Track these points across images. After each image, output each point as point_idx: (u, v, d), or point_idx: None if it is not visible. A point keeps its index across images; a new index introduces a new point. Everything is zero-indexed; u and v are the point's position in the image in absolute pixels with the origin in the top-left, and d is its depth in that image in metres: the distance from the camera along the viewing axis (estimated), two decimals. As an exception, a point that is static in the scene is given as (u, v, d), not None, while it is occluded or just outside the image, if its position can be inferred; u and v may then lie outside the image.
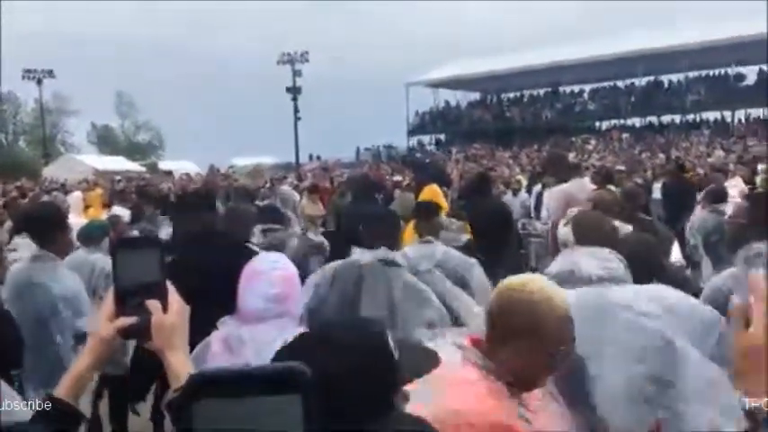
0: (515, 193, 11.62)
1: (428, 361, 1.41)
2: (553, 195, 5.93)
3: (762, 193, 4.24)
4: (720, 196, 5.84)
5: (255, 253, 2.91)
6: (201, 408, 0.69)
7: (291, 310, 2.31)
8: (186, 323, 1.28)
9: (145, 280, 1.24)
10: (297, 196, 11.18)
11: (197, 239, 3.67)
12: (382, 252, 3.24)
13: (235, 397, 0.69)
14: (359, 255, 3.28)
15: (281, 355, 1.32)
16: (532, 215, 9.85)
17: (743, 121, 34.72)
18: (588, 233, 2.54)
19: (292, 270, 2.35)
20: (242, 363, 2.19)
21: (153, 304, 1.23)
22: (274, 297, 2.25)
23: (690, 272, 5.95)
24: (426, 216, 4.20)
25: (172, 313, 1.24)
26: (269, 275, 2.27)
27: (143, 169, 33.64)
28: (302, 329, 2.36)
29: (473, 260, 3.93)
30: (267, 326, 2.23)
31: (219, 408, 0.69)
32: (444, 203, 5.73)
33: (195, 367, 2.34)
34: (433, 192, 5.83)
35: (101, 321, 1.24)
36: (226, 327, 2.32)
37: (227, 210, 4.94)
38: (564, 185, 5.76)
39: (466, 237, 4.76)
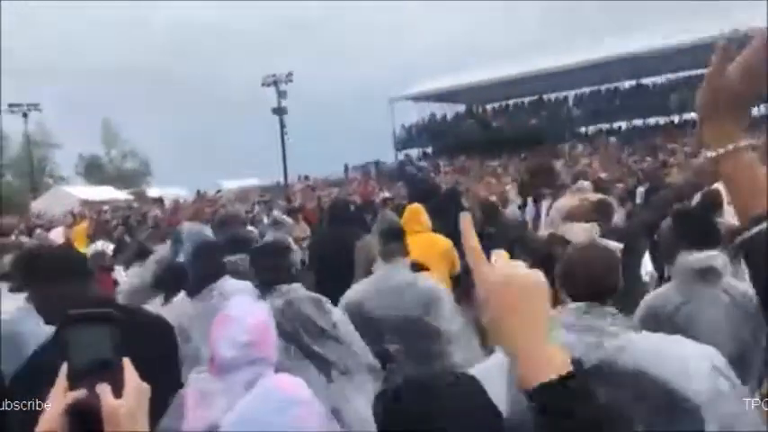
0: (504, 204, 11.54)
1: None
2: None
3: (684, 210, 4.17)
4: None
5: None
6: None
7: (265, 356, 2.22)
8: (145, 405, 1.16)
9: (97, 359, 1.11)
10: (290, 220, 11.08)
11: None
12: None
13: None
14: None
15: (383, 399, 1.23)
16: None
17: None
18: None
19: (264, 316, 2.27)
20: (214, 417, 2.11)
21: (102, 389, 1.10)
22: (244, 344, 2.17)
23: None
24: (388, 240, 4.08)
25: (127, 397, 1.12)
26: (240, 322, 2.19)
27: (131, 198, 33.49)
28: (279, 375, 2.28)
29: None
30: (240, 374, 2.15)
31: None
32: (426, 224, 5.63)
33: (170, 422, 2.27)
34: (413, 212, 5.75)
35: (50, 406, 1.10)
36: (197, 379, 2.24)
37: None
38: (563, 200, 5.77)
39: None
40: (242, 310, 2.25)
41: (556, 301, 2.42)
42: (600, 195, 6.14)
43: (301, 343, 3.10)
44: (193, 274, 3.53)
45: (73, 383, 1.10)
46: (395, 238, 4.07)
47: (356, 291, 3.99)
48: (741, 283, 2.81)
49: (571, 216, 4.14)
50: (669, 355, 1.92)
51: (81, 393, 1.10)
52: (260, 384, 2.13)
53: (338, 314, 3.42)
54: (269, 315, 2.29)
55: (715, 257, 2.82)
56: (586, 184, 7.34)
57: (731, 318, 2.72)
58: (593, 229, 4.09)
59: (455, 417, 1.13)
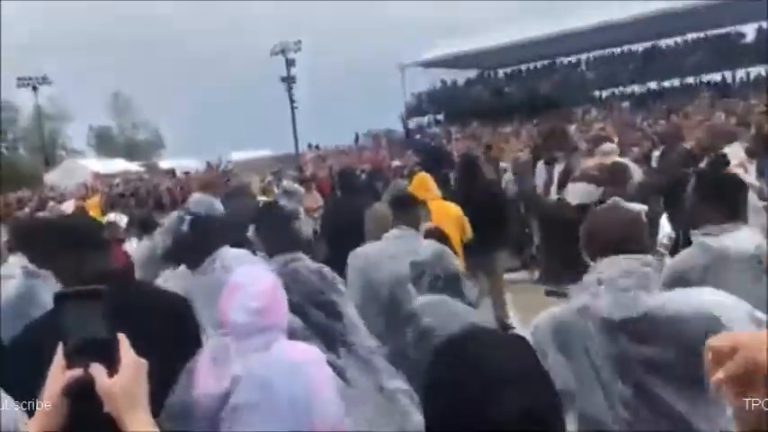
0: (517, 169, 11.44)
1: None
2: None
3: (704, 172, 4.08)
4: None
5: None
6: None
7: (277, 322, 2.24)
8: (143, 380, 1.16)
9: (91, 336, 1.11)
10: (302, 190, 11.08)
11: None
12: None
13: None
14: None
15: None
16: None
17: (744, 80, 34.34)
18: None
19: (273, 282, 2.29)
20: (227, 381, 2.12)
21: (96, 369, 1.10)
22: (256, 311, 2.18)
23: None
24: (401, 208, 4.04)
25: (122, 373, 1.12)
26: (249, 289, 2.21)
27: (143, 170, 33.60)
28: (291, 341, 2.30)
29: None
30: (252, 340, 2.17)
31: None
32: (434, 191, 5.59)
33: (184, 384, 2.27)
34: (421, 180, 5.70)
35: (48, 385, 1.11)
36: (213, 341, 2.27)
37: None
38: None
39: None
40: (250, 277, 2.26)
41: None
42: (617, 158, 6.05)
43: (307, 316, 3.08)
44: (193, 246, 3.51)
45: (69, 362, 1.09)
46: (404, 207, 4.02)
47: (358, 256, 3.96)
48: None
49: (578, 177, 4.08)
50: (707, 306, 1.96)
51: (77, 373, 1.09)
52: (273, 350, 2.15)
53: (343, 287, 3.39)
54: (277, 282, 2.30)
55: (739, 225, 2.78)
56: (611, 146, 7.16)
57: (758, 279, 2.66)
58: (593, 190, 4.03)
59: (509, 371, 1.12)
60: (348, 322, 3.19)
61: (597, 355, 2.07)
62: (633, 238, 2.21)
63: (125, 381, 1.11)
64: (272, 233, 3.49)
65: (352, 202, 6.18)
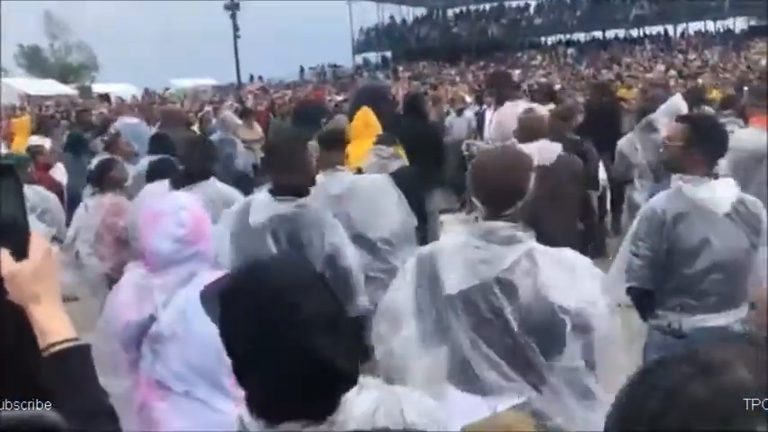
0: (459, 112, 11.45)
1: None
2: (496, 117, 5.85)
3: (703, 116, 4.13)
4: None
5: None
6: None
7: (202, 250, 2.16)
8: (53, 267, 1.09)
9: (4, 216, 1.04)
10: (239, 121, 10.80)
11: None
12: None
13: None
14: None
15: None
16: (476, 135, 9.73)
17: (684, 35, 34.99)
18: None
19: (199, 209, 2.20)
20: (150, 311, 2.07)
21: (4, 255, 1.03)
22: (182, 238, 2.10)
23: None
24: (328, 146, 3.95)
25: (32, 258, 1.05)
26: (176, 216, 2.12)
27: (76, 93, 32.14)
28: (219, 272, 2.24)
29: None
30: (178, 270, 2.10)
31: None
32: (375, 128, 5.53)
33: (107, 317, 2.22)
34: (362, 115, 5.61)
35: None
36: (133, 273, 2.18)
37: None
38: (504, 107, 5.65)
39: (397, 163, 4.61)
40: (175, 204, 2.18)
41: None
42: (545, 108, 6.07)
43: None
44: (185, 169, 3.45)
45: None
46: (334, 146, 3.96)
47: None
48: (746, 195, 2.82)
49: (525, 128, 4.08)
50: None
51: None
52: (197, 280, 2.09)
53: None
54: (203, 209, 2.22)
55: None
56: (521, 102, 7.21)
57: (725, 227, 2.71)
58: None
59: None
60: None
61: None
62: (510, 184, 2.11)
63: (35, 264, 1.05)
64: (188, 160, 3.41)
65: (295, 133, 6.07)
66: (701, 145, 2.78)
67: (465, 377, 2.03)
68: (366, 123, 5.44)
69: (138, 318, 2.07)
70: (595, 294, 2.01)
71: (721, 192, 2.73)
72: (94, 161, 5.58)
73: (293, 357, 1.14)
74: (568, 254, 2.09)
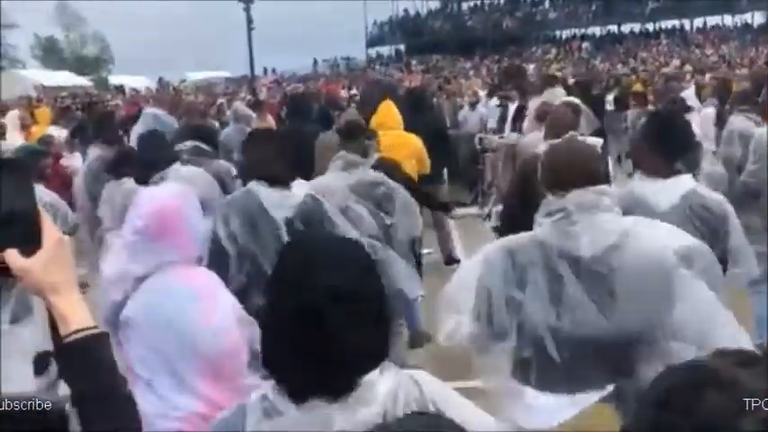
0: (473, 106, 11.42)
1: None
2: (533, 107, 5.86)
3: (665, 114, 4.07)
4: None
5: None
6: None
7: (169, 247, 2.11)
8: (67, 256, 1.11)
9: (9, 210, 1.05)
10: (253, 114, 10.84)
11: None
12: None
13: None
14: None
15: None
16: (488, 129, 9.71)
17: (702, 29, 34.66)
18: None
19: (165, 206, 2.14)
20: (122, 290, 2.11)
21: (9, 254, 1.05)
22: (140, 230, 2.09)
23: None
24: (349, 136, 4.00)
25: (45, 248, 1.07)
26: (138, 208, 2.13)
27: (90, 84, 32.32)
28: (183, 268, 2.16)
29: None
30: (146, 258, 2.10)
31: None
32: (396, 121, 5.55)
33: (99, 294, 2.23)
34: (385, 108, 5.62)
35: None
36: (108, 258, 2.28)
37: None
38: (543, 96, 5.67)
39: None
40: (146, 197, 2.19)
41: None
42: (571, 99, 6.06)
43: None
44: (140, 161, 3.44)
45: None
46: (353, 138, 3.99)
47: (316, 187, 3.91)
48: (709, 192, 2.82)
49: (555, 121, 4.04)
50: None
51: None
52: (162, 273, 2.09)
53: None
54: (180, 207, 2.16)
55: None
56: (559, 90, 7.20)
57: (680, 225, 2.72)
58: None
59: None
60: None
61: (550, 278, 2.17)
62: (593, 169, 2.28)
63: (48, 255, 1.07)
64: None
65: (299, 130, 6.11)
66: (660, 143, 2.80)
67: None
68: (389, 116, 5.48)
69: (120, 299, 2.10)
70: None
71: (667, 189, 2.73)
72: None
73: (324, 335, 1.20)
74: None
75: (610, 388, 2.12)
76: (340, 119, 5.38)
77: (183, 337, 2.02)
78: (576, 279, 2.14)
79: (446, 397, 1.31)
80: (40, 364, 2.25)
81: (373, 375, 1.23)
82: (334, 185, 3.67)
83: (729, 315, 2.12)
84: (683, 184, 2.77)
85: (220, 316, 2.10)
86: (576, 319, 2.11)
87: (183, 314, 2.04)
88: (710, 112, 6.50)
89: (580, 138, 3.30)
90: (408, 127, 5.64)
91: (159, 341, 2.03)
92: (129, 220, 2.13)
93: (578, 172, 2.24)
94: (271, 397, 1.25)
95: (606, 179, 4.79)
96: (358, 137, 4.02)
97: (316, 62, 39.50)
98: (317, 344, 1.20)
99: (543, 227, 2.25)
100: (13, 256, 1.05)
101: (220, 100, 13.78)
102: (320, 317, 1.19)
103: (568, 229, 2.18)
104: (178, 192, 2.25)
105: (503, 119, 7.86)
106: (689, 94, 6.03)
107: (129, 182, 3.95)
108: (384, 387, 1.24)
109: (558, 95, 6.52)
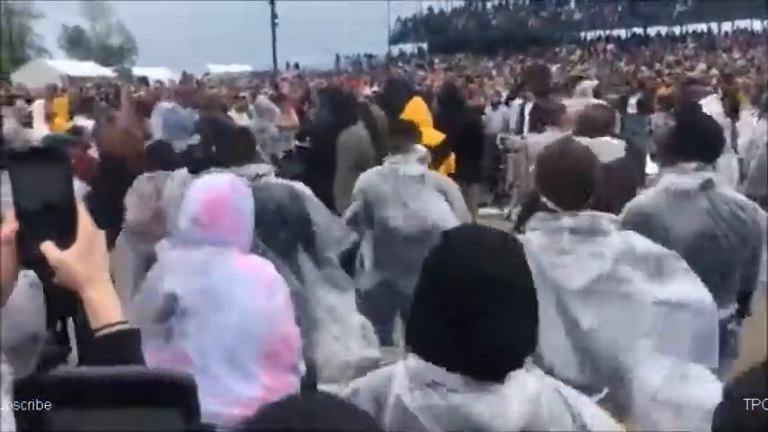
0: (495, 106, 11.37)
1: None
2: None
3: (685, 114, 4.03)
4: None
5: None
6: (62, 418, 0.57)
7: (223, 235, 2.15)
8: (101, 248, 1.11)
9: (47, 201, 1.04)
10: (276, 108, 10.85)
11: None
12: None
13: (102, 407, 0.57)
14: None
15: None
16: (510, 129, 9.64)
17: (729, 33, 34.21)
18: None
19: (225, 195, 2.17)
20: (169, 288, 2.11)
21: (46, 247, 1.05)
22: (195, 220, 2.13)
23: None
24: (398, 134, 4.02)
25: (80, 242, 1.07)
26: (193, 197, 2.17)
27: (115, 75, 32.62)
28: (243, 255, 2.20)
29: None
30: (196, 252, 2.12)
31: (83, 419, 0.57)
32: (426, 118, 5.52)
33: (145, 289, 2.24)
34: (415, 105, 5.58)
35: None
36: (162, 247, 2.25)
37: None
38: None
39: None
40: (197, 187, 2.21)
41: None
42: (600, 101, 6.00)
43: (276, 232, 3.06)
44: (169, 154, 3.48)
45: (26, 223, 1.03)
46: (406, 133, 4.03)
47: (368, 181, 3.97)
48: (736, 195, 2.78)
49: (586, 122, 3.96)
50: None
51: (27, 252, 1.05)
52: (220, 262, 2.11)
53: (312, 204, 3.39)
54: (231, 196, 2.19)
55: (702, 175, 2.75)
56: (588, 84, 7.08)
57: (709, 229, 2.69)
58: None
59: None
60: (318, 239, 3.19)
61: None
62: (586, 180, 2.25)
63: (82, 248, 1.07)
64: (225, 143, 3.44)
65: (330, 122, 6.09)
66: (682, 141, 2.79)
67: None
68: (418, 113, 5.48)
69: (169, 291, 2.12)
70: None
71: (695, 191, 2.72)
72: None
73: (485, 322, 1.23)
74: None
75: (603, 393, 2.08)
76: (371, 115, 5.36)
77: (243, 323, 2.04)
78: (556, 312, 2.13)
79: (592, 413, 1.29)
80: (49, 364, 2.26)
81: (521, 373, 1.24)
82: None
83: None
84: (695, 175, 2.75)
85: (277, 302, 2.13)
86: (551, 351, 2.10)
87: (242, 299, 2.07)
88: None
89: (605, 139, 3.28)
90: (443, 125, 5.58)
91: (219, 328, 2.05)
92: (183, 209, 2.17)
93: (570, 181, 2.22)
94: (423, 368, 1.25)
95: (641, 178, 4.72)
96: (412, 133, 4.08)
97: (338, 58, 39.57)
98: (477, 332, 1.22)
99: (537, 238, 2.23)
100: (49, 248, 1.05)
101: (243, 93, 13.83)
102: (482, 306, 1.21)
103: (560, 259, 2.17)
104: (230, 180, 2.27)
105: (522, 118, 7.82)
106: (710, 101, 5.89)
107: (182, 172, 4.03)
108: (532, 387, 1.23)
109: (588, 92, 6.43)
